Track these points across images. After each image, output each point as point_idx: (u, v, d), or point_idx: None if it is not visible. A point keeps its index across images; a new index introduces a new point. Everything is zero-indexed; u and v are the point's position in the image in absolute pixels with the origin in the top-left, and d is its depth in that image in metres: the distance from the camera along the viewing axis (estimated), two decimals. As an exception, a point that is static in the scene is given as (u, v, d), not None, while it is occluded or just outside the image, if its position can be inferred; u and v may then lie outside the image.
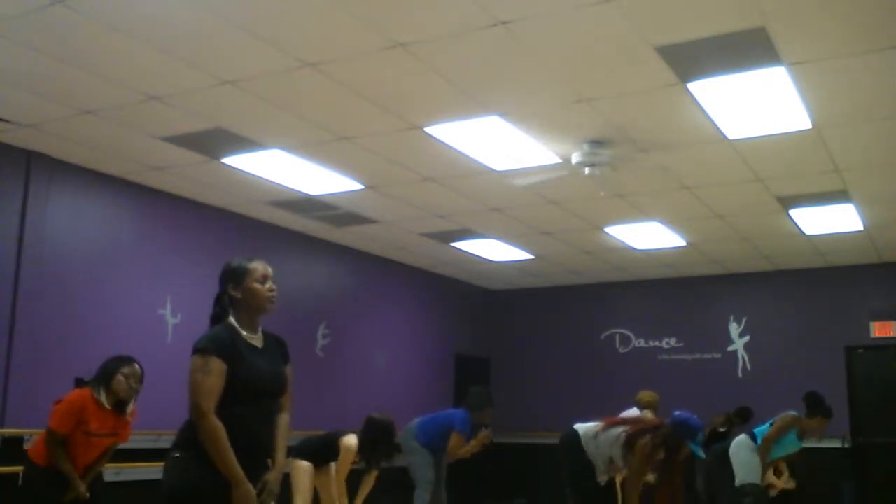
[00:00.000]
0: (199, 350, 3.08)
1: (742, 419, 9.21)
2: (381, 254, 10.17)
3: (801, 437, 6.68)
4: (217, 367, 3.04)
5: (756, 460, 6.57)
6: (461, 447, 7.18)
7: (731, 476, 6.73)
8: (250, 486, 2.99)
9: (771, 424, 6.65)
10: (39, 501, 4.89)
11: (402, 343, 10.54)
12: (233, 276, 3.27)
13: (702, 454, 5.22)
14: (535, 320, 12.17)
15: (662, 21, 4.35)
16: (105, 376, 4.97)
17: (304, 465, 6.01)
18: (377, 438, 6.04)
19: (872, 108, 5.48)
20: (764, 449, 6.54)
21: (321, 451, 6.08)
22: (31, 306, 6.30)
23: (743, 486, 6.54)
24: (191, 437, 3.08)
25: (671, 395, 10.52)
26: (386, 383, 9.86)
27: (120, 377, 4.95)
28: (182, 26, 4.43)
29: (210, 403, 3.00)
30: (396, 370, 10.20)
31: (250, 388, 3.14)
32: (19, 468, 5.97)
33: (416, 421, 7.41)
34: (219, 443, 2.98)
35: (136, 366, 5.05)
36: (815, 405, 6.67)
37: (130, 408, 5.07)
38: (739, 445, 6.71)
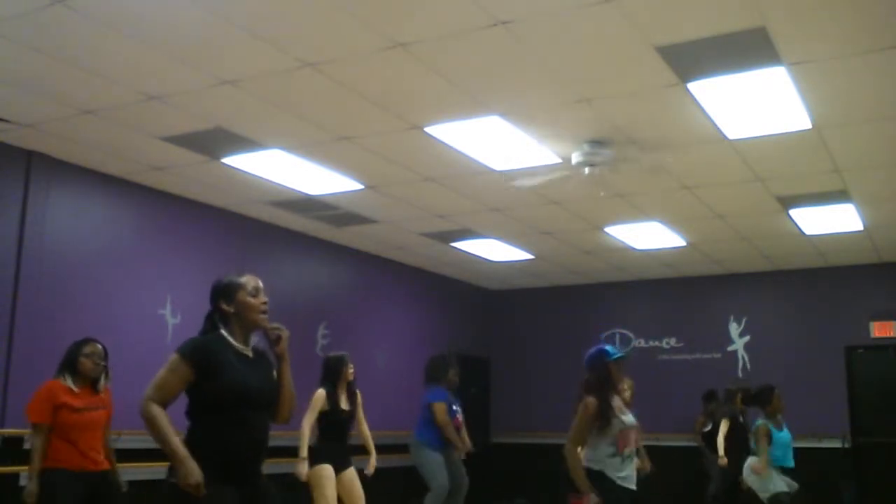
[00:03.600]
0: (178, 350, 3.17)
1: (720, 401, 9.25)
2: (381, 254, 10.17)
3: (779, 426, 6.85)
4: (182, 371, 3.12)
5: (772, 474, 6.71)
6: (445, 414, 7.32)
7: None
8: (194, 465, 2.97)
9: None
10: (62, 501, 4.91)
11: (402, 343, 10.54)
12: (224, 292, 3.30)
13: (622, 354, 5.08)
14: (535, 320, 12.17)
15: (662, 21, 4.35)
16: (68, 363, 5.06)
17: (325, 470, 6.00)
18: (339, 370, 6.20)
19: (872, 108, 5.49)
20: (764, 467, 6.69)
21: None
22: (32, 306, 6.30)
23: (774, 497, 6.64)
24: (189, 442, 3.11)
25: (671, 395, 10.56)
26: (386, 383, 9.85)
27: (83, 359, 5.05)
28: (182, 26, 4.43)
29: (156, 394, 3.09)
30: (396, 370, 10.19)
31: (237, 396, 3.15)
32: (19, 468, 5.97)
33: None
34: (154, 425, 3.04)
35: (97, 344, 5.15)
36: (759, 397, 6.92)
37: (102, 384, 5.16)
38: (751, 466, 6.85)
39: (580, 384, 4.84)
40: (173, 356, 3.16)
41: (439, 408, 7.36)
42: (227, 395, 3.12)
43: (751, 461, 6.86)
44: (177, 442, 3.02)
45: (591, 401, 4.67)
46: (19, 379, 6.12)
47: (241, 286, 3.29)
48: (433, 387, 7.58)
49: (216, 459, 3.06)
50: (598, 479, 4.60)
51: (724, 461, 8.51)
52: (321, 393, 6.10)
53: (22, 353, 6.18)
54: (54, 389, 4.96)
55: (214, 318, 3.30)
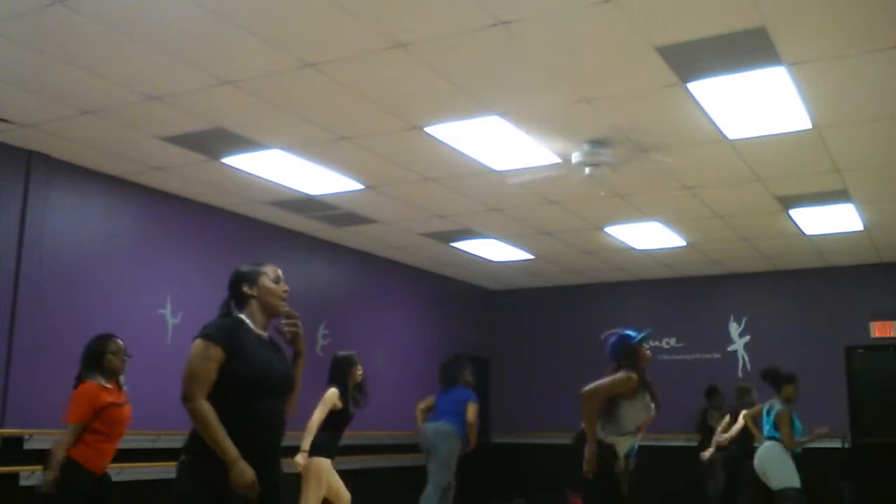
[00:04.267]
0: (203, 335, 3.13)
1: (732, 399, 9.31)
2: (381, 254, 10.18)
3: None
4: (215, 354, 3.09)
5: (791, 464, 6.75)
6: (477, 415, 7.62)
7: (754, 479, 6.96)
8: (245, 465, 2.97)
9: (774, 425, 6.84)
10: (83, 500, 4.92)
11: (402, 343, 10.55)
12: (247, 277, 3.34)
13: (645, 334, 5.14)
14: (535, 320, 12.17)
15: (662, 21, 4.35)
16: (95, 361, 5.01)
17: (325, 463, 6.09)
18: (348, 370, 6.27)
19: (872, 108, 5.49)
20: (796, 443, 6.82)
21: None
22: (32, 306, 6.30)
23: (784, 490, 6.65)
24: (199, 439, 3.08)
25: (671, 396, 10.52)
26: (386, 383, 9.85)
27: (110, 356, 5.02)
28: (182, 26, 4.43)
29: (199, 388, 3.04)
30: (396, 370, 10.20)
31: (261, 381, 3.16)
32: (19, 468, 5.98)
33: (437, 413, 7.61)
34: (208, 423, 3.00)
35: (118, 340, 5.13)
36: (778, 378, 6.99)
37: (123, 379, 5.17)
38: (771, 452, 6.82)
39: (608, 371, 4.88)
40: (199, 343, 3.11)
41: (475, 408, 7.59)
42: (253, 379, 3.13)
43: (767, 448, 6.84)
44: (229, 441, 2.97)
45: (633, 376, 4.73)
46: (19, 379, 6.12)
47: (263, 272, 3.37)
48: (455, 387, 7.69)
49: (238, 443, 3.04)
50: (608, 454, 4.70)
51: (708, 454, 8.58)
52: (334, 392, 6.16)
53: (22, 353, 6.18)
54: (94, 392, 4.91)
55: (230, 305, 3.32)
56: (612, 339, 4.98)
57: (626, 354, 4.86)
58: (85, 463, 4.86)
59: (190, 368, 3.08)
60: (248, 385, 3.12)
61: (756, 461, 6.92)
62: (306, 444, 6.03)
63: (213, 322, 3.23)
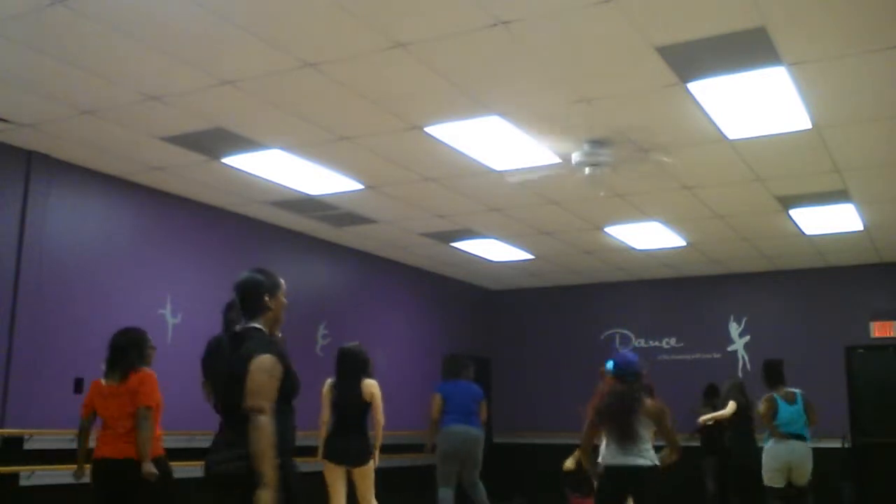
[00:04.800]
0: (271, 353, 3.14)
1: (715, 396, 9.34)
2: (381, 254, 10.18)
3: None
4: (279, 373, 3.12)
5: None
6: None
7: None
8: (276, 495, 2.96)
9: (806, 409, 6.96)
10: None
11: (402, 343, 10.54)
12: (271, 287, 3.33)
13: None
14: (535, 320, 12.17)
15: (662, 21, 4.35)
16: (142, 353, 5.14)
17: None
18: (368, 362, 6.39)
19: (872, 108, 5.49)
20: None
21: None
22: (32, 306, 6.29)
23: (808, 485, 6.86)
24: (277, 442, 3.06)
25: (671, 396, 10.50)
26: (385, 383, 9.82)
27: (150, 351, 5.22)
28: (182, 26, 4.43)
29: (268, 403, 3.04)
30: (396, 370, 10.19)
31: (295, 389, 3.23)
32: (19, 468, 5.97)
33: (456, 411, 7.49)
34: (269, 440, 3.00)
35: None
36: (782, 375, 7.17)
37: None
38: (809, 450, 6.92)
39: (606, 382, 5.04)
40: (269, 360, 3.10)
41: (486, 408, 7.68)
42: (297, 386, 3.22)
43: (805, 445, 6.92)
44: (275, 466, 2.96)
45: (665, 405, 5.04)
46: (19, 379, 6.11)
47: (282, 286, 3.37)
48: (460, 379, 7.65)
49: (286, 448, 3.11)
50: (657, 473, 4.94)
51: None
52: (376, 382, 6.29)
53: (22, 354, 6.17)
54: (155, 379, 5.05)
55: (236, 308, 3.29)
56: (631, 356, 5.23)
57: (640, 375, 5.06)
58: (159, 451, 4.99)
59: (260, 383, 3.06)
60: (294, 393, 3.22)
61: (791, 454, 6.86)
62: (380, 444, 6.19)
63: (267, 339, 3.22)
